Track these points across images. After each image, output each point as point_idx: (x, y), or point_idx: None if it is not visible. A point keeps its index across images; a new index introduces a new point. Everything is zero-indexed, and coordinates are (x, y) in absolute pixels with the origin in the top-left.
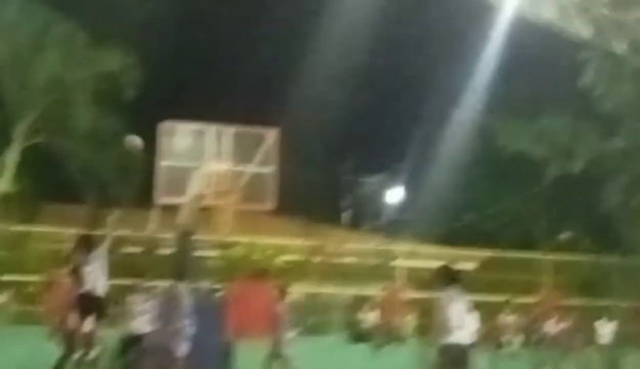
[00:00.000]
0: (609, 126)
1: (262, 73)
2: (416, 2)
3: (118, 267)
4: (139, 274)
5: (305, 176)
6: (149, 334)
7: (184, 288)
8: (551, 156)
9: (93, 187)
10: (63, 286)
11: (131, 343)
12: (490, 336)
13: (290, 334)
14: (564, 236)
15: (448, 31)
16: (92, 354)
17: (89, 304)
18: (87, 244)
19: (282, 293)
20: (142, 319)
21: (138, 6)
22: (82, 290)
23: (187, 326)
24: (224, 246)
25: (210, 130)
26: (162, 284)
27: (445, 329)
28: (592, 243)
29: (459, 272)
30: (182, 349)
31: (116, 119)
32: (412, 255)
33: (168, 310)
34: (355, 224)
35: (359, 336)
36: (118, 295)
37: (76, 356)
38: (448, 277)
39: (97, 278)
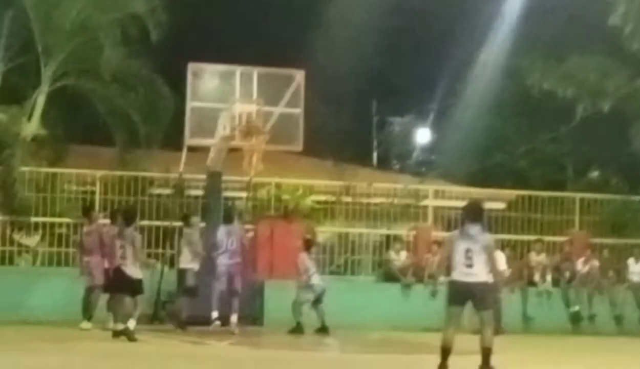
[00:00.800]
0: (639, 64)
1: (289, 14)
2: None
3: (148, 209)
4: (167, 215)
5: (333, 116)
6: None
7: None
8: (580, 95)
9: (121, 129)
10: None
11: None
12: (520, 275)
13: (316, 278)
14: (594, 175)
15: None
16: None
17: (120, 281)
18: (124, 216)
19: (312, 233)
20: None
21: None
22: (113, 265)
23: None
24: (253, 187)
25: (238, 71)
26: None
27: (452, 266)
28: (621, 182)
29: (481, 210)
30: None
31: (143, 61)
32: (441, 195)
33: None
34: (384, 164)
35: (389, 275)
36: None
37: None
38: (472, 213)
39: (126, 256)
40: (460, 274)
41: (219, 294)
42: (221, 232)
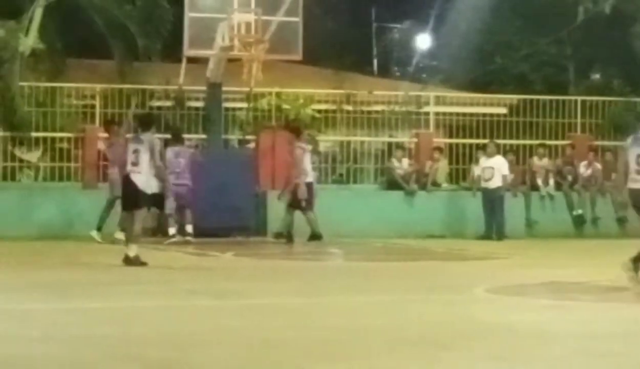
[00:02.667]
0: None
1: None
2: None
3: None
4: (168, 127)
5: (332, 24)
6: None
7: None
8: None
9: (120, 41)
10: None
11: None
12: (523, 180)
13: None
14: (596, 77)
15: None
16: None
17: (126, 191)
18: (142, 121)
19: (313, 142)
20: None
21: None
22: (125, 171)
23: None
24: (253, 97)
25: None
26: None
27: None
28: (623, 84)
29: None
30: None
31: None
32: (442, 101)
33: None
34: (385, 71)
35: (392, 183)
36: None
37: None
38: None
39: (141, 163)
40: (632, 181)
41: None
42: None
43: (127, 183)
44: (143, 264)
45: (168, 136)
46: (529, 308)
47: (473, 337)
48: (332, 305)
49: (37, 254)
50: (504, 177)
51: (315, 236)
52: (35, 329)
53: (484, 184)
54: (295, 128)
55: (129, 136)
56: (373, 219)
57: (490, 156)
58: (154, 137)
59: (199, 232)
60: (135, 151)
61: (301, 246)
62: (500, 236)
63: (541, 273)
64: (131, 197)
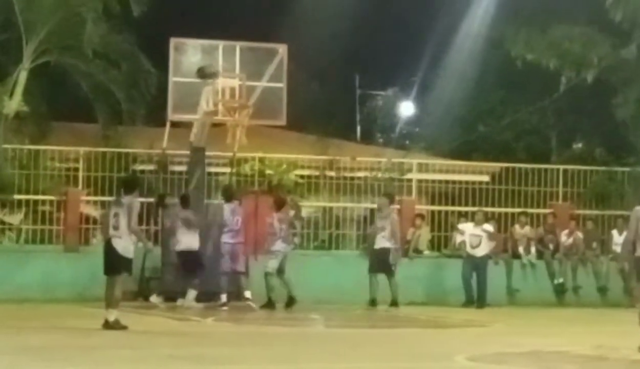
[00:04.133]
0: (622, 34)
1: None
2: None
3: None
4: (151, 191)
5: (316, 90)
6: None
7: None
8: (564, 65)
9: (104, 105)
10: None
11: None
12: (505, 248)
13: (279, 244)
14: (578, 146)
15: None
16: None
17: (107, 256)
18: (125, 184)
19: (296, 207)
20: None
21: None
22: (107, 236)
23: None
24: (237, 162)
25: (221, 46)
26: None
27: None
28: (605, 153)
29: None
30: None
31: (125, 37)
32: (425, 168)
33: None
34: (368, 138)
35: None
36: None
37: None
38: None
39: (120, 227)
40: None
41: (226, 275)
42: (227, 211)
43: (109, 248)
44: (123, 328)
45: (151, 199)
46: None
47: None
48: None
49: (18, 318)
50: (490, 245)
51: (290, 301)
52: None
53: (471, 251)
54: (277, 200)
55: (110, 200)
56: (355, 285)
57: (478, 223)
58: (135, 200)
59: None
60: (116, 215)
61: (282, 312)
62: (482, 303)
63: (522, 341)
64: (112, 262)
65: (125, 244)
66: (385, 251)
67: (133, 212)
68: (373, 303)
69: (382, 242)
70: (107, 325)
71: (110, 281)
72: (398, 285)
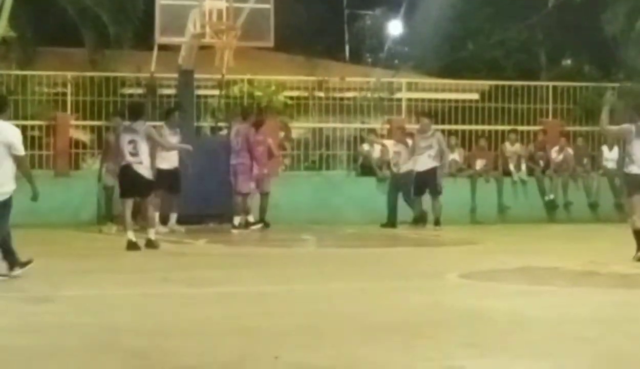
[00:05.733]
0: None
1: None
2: None
3: (120, 108)
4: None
5: (304, 11)
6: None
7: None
8: None
9: (91, 29)
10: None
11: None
12: (495, 166)
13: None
14: (567, 63)
15: None
16: None
17: (132, 181)
18: (132, 110)
19: (286, 129)
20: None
21: None
22: (123, 162)
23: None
24: (225, 84)
25: None
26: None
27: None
28: (594, 69)
29: None
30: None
31: None
32: (414, 87)
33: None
34: (357, 58)
35: (366, 168)
36: None
37: None
38: None
39: (140, 153)
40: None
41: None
42: (232, 131)
43: (131, 173)
44: (156, 246)
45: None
46: (503, 294)
47: (446, 324)
48: (305, 292)
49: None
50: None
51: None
52: (10, 318)
53: (394, 169)
54: (258, 121)
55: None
56: (345, 205)
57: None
58: (148, 125)
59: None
60: (132, 142)
61: (273, 233)
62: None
63: (513, 259)
64: (139, 186)
65: (147, 168)
66: (433, 171)
67: (155, 137)
68: (422, 219)
69: (428, 162)
70: (150, 244)
71: (128, 203)
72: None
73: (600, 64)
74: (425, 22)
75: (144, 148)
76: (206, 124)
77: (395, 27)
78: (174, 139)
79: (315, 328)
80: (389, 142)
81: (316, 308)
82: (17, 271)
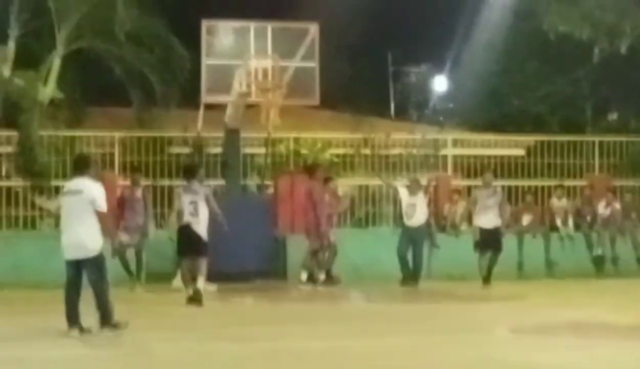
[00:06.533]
0: None
1: None
2: None
3: (167, 168)
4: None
5: (349, 68)
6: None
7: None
8: (597, 35)
9: (138, 89)
10: (116, 189)
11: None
12: (542, 221)
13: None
14: (613, 117)
15: None
16: None
17: (190, 241)
18: (189, 173)
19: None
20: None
21: None
22: (183, 222)
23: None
24: (271, 142)
25: (252, 27)
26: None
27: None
28: None
29: None
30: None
31: (157, 20)
32: (460, 143)
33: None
34: (402, 114)
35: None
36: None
37: None
38: None
39: (200, 214)
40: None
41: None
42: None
43: (190, 232)
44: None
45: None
46: (553, 348)
47: None
48: (356, 349)
49: (57, 301)
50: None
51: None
52: None
53: (407, 223)
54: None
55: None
56: (394, 261)
57: (413, 192)
58: (207, 188)
59: (219, 277)
60: (192, 202)
61: (324, 290)
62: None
63: (563, 313)
64: (197, 245)
65: (204, 229)
66: (498, 229)
67: (212, 201)
68: (487, 279)
69: (495, 220)
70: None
71: (187, 262)
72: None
73: None
74: (470, 77)
75: (203, 209)
76: (252, 182)
77: (440, 83)
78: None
79: None
80: (403, 192)
81: (367, 365)
82: (107, 332)
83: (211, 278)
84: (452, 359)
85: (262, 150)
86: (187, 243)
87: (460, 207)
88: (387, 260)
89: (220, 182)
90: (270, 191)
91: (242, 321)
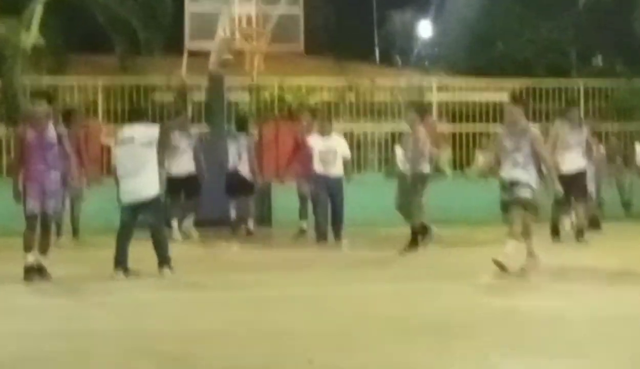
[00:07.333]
0: None
1: None
2: None
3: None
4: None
5: (333, 14)
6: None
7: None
8: None
9: (121, 36)
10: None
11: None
12: None
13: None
14: (598, 61)
15: None
16: None
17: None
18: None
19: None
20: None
21: None
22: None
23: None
24: (256, 88)
25: None
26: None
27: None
28: (626, 67)
29: None
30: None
31: None
32: (445, 89)
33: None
34: (387, 60)
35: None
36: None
37: None
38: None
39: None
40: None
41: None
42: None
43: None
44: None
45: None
46: (539, 294)
47: (483, 325)
48: (341, 295)
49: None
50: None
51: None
52: (43, 325)
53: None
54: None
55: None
56: (379, 207)
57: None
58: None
59: (202, 223)
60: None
61: (305, 237)
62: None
63: (546, 258)
64: (244, 186)
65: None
66: (584, 173)
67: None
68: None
69: (579, 161)
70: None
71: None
72: None
73: (631, 62)
74: (454, 22)
75: (245, 156)
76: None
77: (425, 29)
78: (185, 142)
79: (351, 330)
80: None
81: (352, 311)
82: (166, 271)
83: (195, 223)
84: (435, 305)
85: (247, 96)
86: (234, 185)
87: (445, 152)
88: (373, 206)
89: (205, 128)
90: (255, 137)
91: (226, 267)
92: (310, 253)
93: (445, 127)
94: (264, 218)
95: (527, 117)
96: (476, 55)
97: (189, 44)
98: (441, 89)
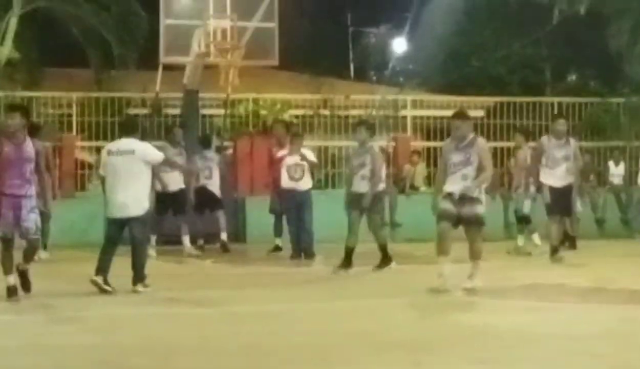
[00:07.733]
0: None
1: None
2: None
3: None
4: (146, 135)
5: (308, 29)
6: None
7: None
8: None
9: (96, 50)
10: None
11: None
12: (502, 182)
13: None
14: (572, 78)
15: None
16: None
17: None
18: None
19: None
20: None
21: None
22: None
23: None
24: (230, 103)
25: None
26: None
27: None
28: (600, 85)
29: None
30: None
31: None
32: (420, 105)
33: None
34: (361, 76)
35: None
36: None
37: None
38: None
39: (212, 176)
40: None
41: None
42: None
43: (204, 192)
44: None
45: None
46: (510, 310)
47: (454, 340)
48: (314, 310)
49: None
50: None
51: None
52: (17, 340)
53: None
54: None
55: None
56: None
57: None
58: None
59: (175, 240)
60: (208, 168)
61: (279, 253)
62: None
63: (521, 275)
64: (213, 202)
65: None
66: (571, 189)
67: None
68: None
69: (568, 178)
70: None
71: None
72: None
73: (605, 80)
74: (429, 39)
75: (216, 174)
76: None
77: (399, 45)
78: (179, 159)
79: (324, 345)
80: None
81: (325, 326)
82: (139, 288)
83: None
84: (407, 321)
85: (221, 111)
86: (203, 201)
87: (420, 168)
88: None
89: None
90: (229, 152)
91: (200, 283)
92: (284, 269)
93: (419, 144)
94: (239, 234)
95: (502, 135)
96: (450, 72)
97: (164, 58)
98: (415, 105)
